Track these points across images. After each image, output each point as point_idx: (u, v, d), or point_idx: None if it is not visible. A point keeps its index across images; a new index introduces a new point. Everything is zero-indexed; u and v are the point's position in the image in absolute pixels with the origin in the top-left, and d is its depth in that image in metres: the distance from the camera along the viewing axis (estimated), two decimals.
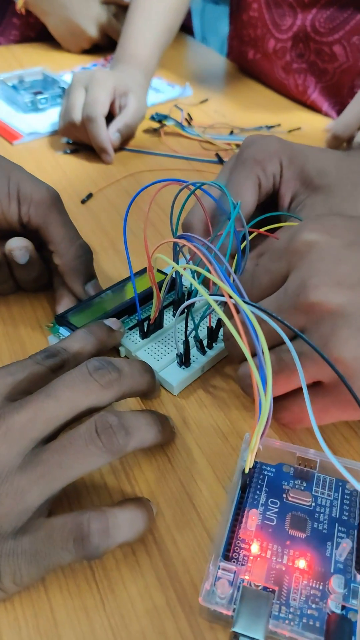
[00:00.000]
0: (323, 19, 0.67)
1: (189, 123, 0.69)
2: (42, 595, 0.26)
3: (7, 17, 0.96)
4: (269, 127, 0.69)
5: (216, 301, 0.26)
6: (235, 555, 0.26)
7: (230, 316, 0.32)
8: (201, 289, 0.26)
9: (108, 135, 0.60)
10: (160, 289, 0.35)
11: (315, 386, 0.29)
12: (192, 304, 0.39)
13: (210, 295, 0.26)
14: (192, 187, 0.34)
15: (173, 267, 0.29)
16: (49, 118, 0.69)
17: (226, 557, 0.26)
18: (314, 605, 0.24)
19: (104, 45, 0.92)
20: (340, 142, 0.65)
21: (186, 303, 0.30)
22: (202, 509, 0.29)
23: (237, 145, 0.64)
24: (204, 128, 0.69)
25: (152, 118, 0.67)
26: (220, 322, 0.37)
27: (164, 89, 0.80)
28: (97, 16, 0.89)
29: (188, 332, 0.34)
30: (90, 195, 0.55)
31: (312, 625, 0.24)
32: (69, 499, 0.29)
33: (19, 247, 0.37)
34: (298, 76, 0.74)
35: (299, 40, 0.71)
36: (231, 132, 0.68)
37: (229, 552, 0.26)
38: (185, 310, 0.33)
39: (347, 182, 0.39)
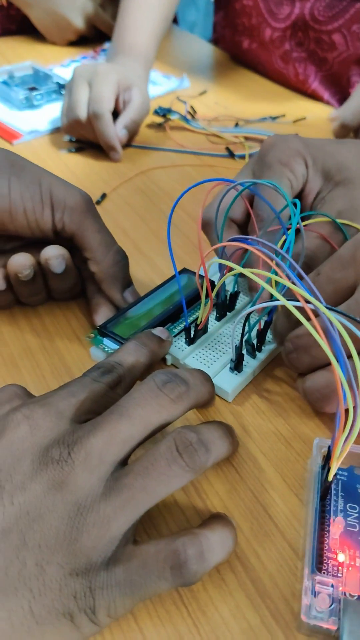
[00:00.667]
0: (322, 7, 0.66)
1: (193, 116, 0.68)
2: (133, 625, 0.25)
3: None
4: (274, 118, 0.69)
5: (296, 307, 0.25)
6: (326, 567, 0.26)
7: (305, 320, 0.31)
8: (279, 295, 0.25)
9: (116, 132, 0.58)
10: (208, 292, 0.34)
11: None
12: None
13: (272, 299, 0.26)
14: (240, 187, 0.33)
15: (225, 273, 0.28)
16: (46, 115, 0.67)
17: (318, 569, 0.26)
18: None
19: (91, 36, 0.90)
20: (348, 131, 0.65)
21: (253, 308, 0.29)
22: (278, 519, 0.29)
23: (246, 138, 0.63)
24: (209, 121, 0.67)
25: (156, 112, 0.66)
26: (268, 325, 0.36)
27: (161, 81, 0.78)
28: (82, 7, 0.86)
29: (244, 334, 0.34)
30: (104, 196, 0.53)
31: None
32: (142, 520, 0.28)
33: (55, 255, 0.35)
34: (298, 65, 0.73)
35: (297, 29, 0.70)
36: (236, 125, 0.67)
37: (320, 564, 0.26)
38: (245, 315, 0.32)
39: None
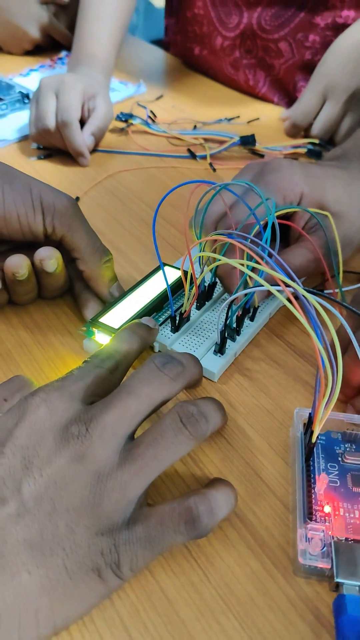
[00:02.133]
0: (268, 17, 0.70)
1: (153, 120, 0.70)
2: (150, 579, 0.27)
3: None
4: (229, 120, 0.72)
5: (278, 291, 0.28)
6: (315, 517, 0.29)
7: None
8: (265, 283, 0.28)
9: (84, 139, 0.60)
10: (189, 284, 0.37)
11: None
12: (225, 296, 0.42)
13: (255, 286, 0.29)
14: (217, 188, 0.36)
15: (206, 265, 0.31)
16: (12, 123, 0.68)
17: (309, 519, 0.29)
18: None
19: (47, 45, 0.91)
20: (298, 130, 0.69)
21: (235, 295, 0.32)
22: (269, 480, 0.32)
23: (205, 140, 0.66)
24: (168, 124, 0.70)
25: (118, 118, 0.68)
26: (246, 312, 0.39)
27: (118, 87, 0.80)
28: (37, 17, 0.87)
29: (226, 319, 0.37)
30: (77, 199, 0.55)
31: None
32: (148, 489, 0.31)
33: (48, 256, 0.37)
34: (248, 72, 0.76)
35: (246, 37, 0.73)
36: (195, 127, 0.70)
37: (310, 514, 0.29)
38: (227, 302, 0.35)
39: (354, 208, 0.43)
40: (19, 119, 0.69)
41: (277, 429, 0.35)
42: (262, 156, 0.65)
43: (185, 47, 0.85)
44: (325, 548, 0.27)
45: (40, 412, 0.27)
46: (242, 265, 0.30)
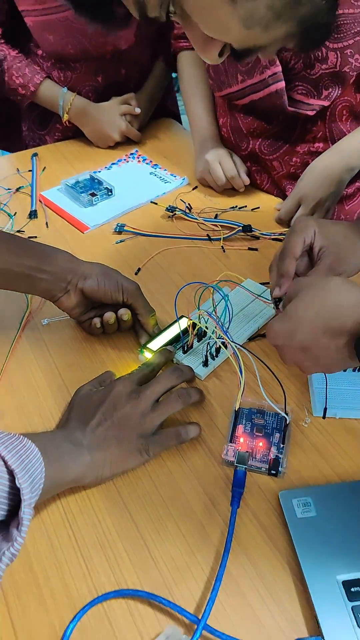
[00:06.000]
0: (265, 145, 1.04)
1: (190, 210, 1.06)
2: (162, 462, 0.64)
3: (51, 123, 1.32)
4: (240, 208, 1.07)
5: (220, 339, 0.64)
6: (234, 442, 0.65)
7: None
8: (224, 334, 0.64)
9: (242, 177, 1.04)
10: (193, 330, 0.73)
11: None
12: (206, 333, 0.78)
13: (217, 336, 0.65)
14: (208, 286, 0.72)
15: (196, 325, 0.68)
16: (101, 211, 1.05)
17: (231, 441, 0.65)
18: (264, 457, 0.63)
19: (123, 142, 1.29)
20: (283, 223, 1.03)
21: (209, 340, 0.68)
22: (219, 425, 0.67)
23: (222, 226, 1.01)
24: (198, 212, 1.06)
25: (167, 209, 1.04)
26: (218, 350, 0.75)
27: (170, 180, 1.16)
28: (118, 124, 1.25)
29: (207, 350, 0.73)
30: (139, 270, 0.92)
31: (265, 461, 0.62)
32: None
33: (124, 313, 0.75)
34: (256, 174, 1.11)
35: (253, 155, 1.08)
36: (216, 216, 1.05)
37: (232, 441, 0.65)
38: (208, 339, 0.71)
39: (341, 247, 0.74)
40: (105, 208, 1.06)
41: (227, 404, 0.70)
42: (257, 238, 0.99)
43: None
44: (235, 453, 0.63)
45: (118, 387, 0.64)
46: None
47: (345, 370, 0.71)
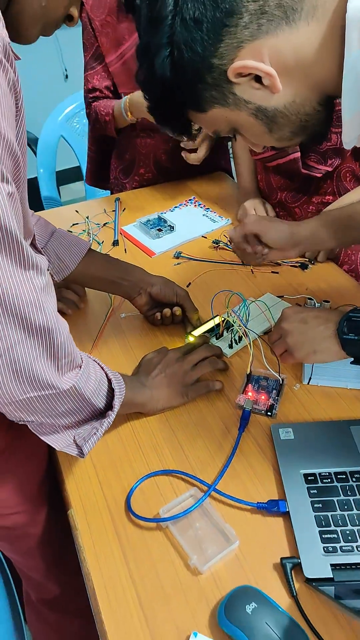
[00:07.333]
0: (289, 197, 1.38)
1: (230, 243, 1.40)
2: (163, 417, 0.97)
3: (132, 174, 1.70)
4: None
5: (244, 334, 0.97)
6: (246, 393, 0.97)
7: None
8: (249, 332, 0.98)
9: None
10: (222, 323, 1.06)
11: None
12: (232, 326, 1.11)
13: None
14: (243, 297, 1.05)
15: (223, 318, 1.01)
16: (165, 242, 1.41)
17: (244, 393, 0.97)
18: (264, 405, 0.95)
19: (183, 190, 1.65)
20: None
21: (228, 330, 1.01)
22: (237, 383, 1.00)
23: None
24: None
25: (214, 242, 1.38)
26: (240, 338, 1.07)
27: (217, 220, 1.50)
28: None
29: (232, 337, 1.06)
30: (189, 284, 1.27)
31: (264, 407, 0.94)
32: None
33: (178, 310, 1.09)
34: (284, 219, 1.44)
35: (281, 203, 1.41)
36: None
37: (244, 392, 0.97)
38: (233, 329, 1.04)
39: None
40: (168, 239, 1.41)
41: (243, 372, 1.02)
42: (279, 264, 1.32)
43: None
44: (245, 401, 0.95)
45: (170, 354, 0.98)
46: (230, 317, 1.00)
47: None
